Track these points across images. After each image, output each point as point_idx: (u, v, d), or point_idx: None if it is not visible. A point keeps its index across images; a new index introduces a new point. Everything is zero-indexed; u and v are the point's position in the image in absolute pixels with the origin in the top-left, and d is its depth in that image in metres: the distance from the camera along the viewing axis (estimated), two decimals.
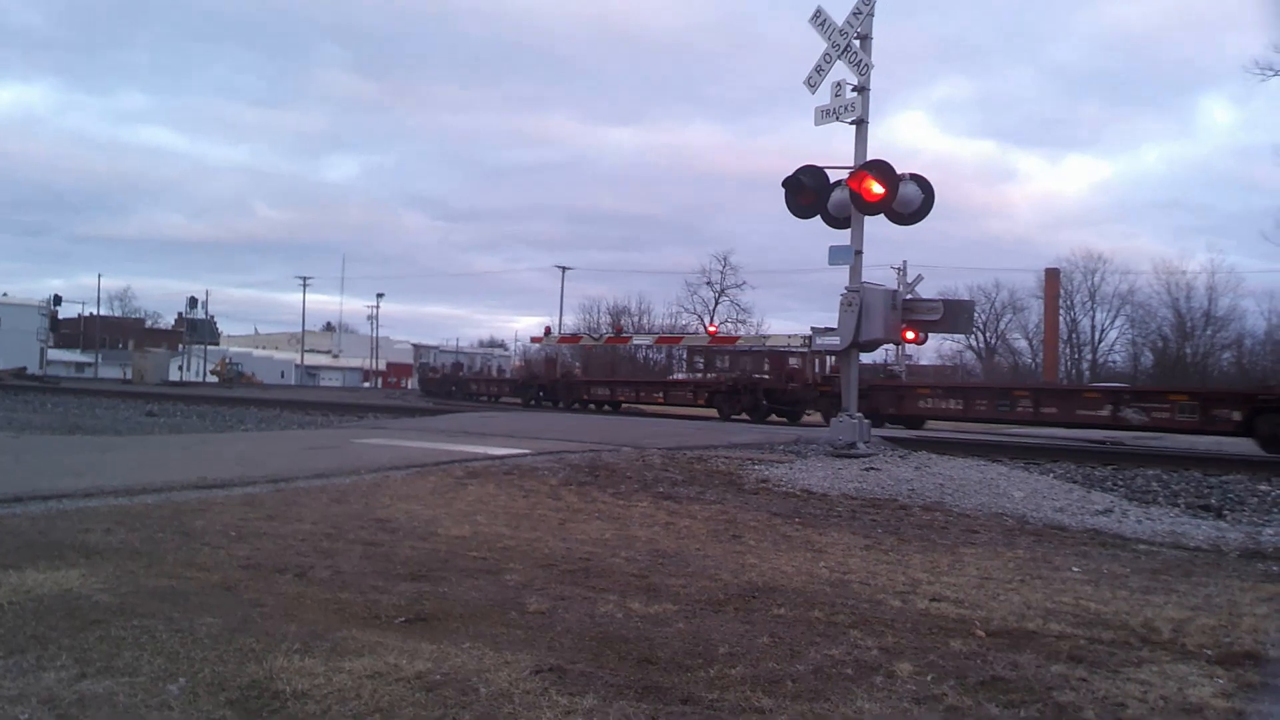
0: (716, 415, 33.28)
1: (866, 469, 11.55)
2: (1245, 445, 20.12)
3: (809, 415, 31.20)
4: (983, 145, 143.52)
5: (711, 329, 70.57)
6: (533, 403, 43.62)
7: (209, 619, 4.01)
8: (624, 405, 41.42)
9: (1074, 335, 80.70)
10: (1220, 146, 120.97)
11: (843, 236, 14.05)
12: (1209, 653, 4.23)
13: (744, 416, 31.62)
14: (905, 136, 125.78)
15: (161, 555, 5.32)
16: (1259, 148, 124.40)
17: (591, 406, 41.63)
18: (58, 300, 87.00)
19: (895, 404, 28.51)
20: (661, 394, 40.16)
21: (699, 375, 44.33)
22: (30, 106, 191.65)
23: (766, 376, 34.65)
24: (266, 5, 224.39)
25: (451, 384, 54.90)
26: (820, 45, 13.87)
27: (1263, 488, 11.71)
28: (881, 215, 13.81)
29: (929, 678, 3.68)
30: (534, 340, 60.23)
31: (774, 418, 31.33)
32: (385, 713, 3.05)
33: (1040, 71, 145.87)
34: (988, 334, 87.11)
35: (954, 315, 14.60)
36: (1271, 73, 35.16)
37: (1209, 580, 6.07)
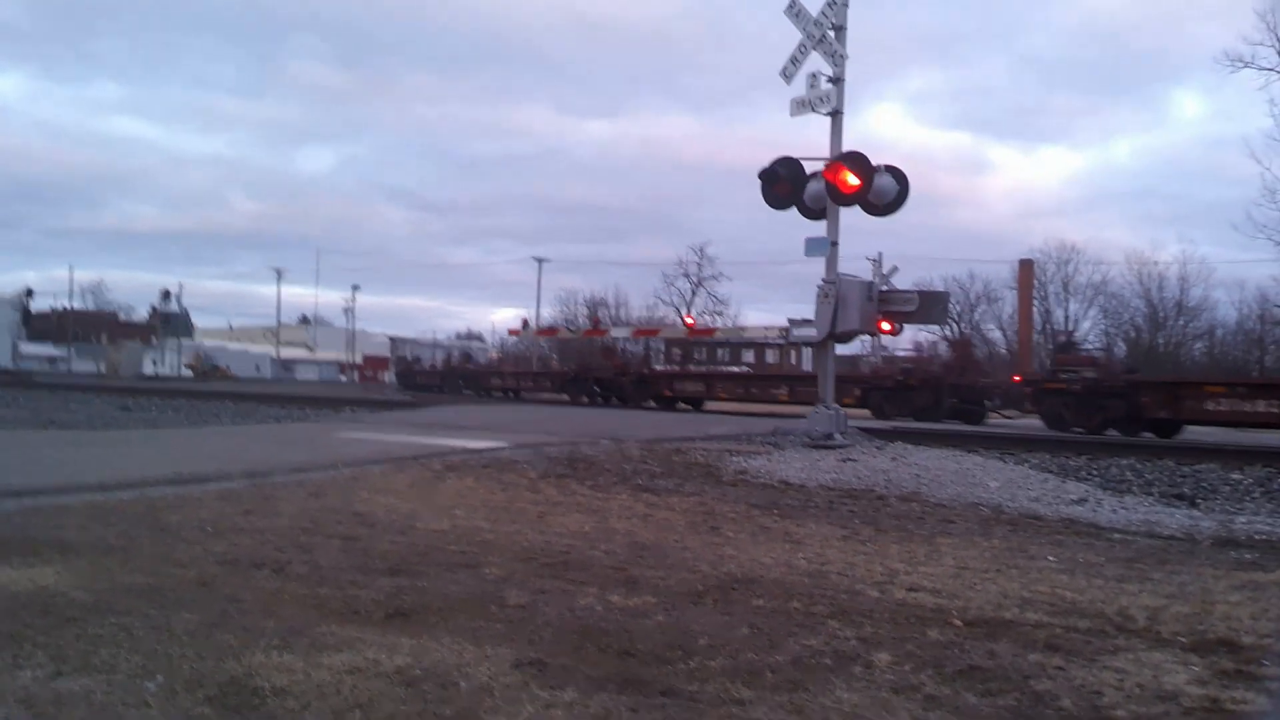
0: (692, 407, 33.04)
1: (844, 460, 11.59)
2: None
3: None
4: (957, 137, 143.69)
5: (689, 321, 70.67)
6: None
7: (186, 615, 3.98)
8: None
9: (1048, 325, 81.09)
10: (1191, 138, 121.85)
11: (819, 228, 14.08)
12: (1183, 640, 4.27)
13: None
14: (881, 128, 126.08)
15: (137, 551, 5.28)
16: (1229, 139, 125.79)
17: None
18: (30, 294, 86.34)
19: None
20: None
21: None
22: (2, 96, 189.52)
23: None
24: None
25: (411, 375, 54.21)
26: (795, 36, 13.89)
27: (1235, 476, 11.84)
28: (857, 206, 13.86)
29: (907, 667, 3.70)
30: (511, 333, 59.35)
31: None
32: (365, 708, 3.04)
33: (1014, 63, 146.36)
34: (962, 324, 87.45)
35: (929, 306, 14.67)
36: (1241, 64, 35.49)
37: (1183, 568, 6.12)
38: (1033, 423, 24.38)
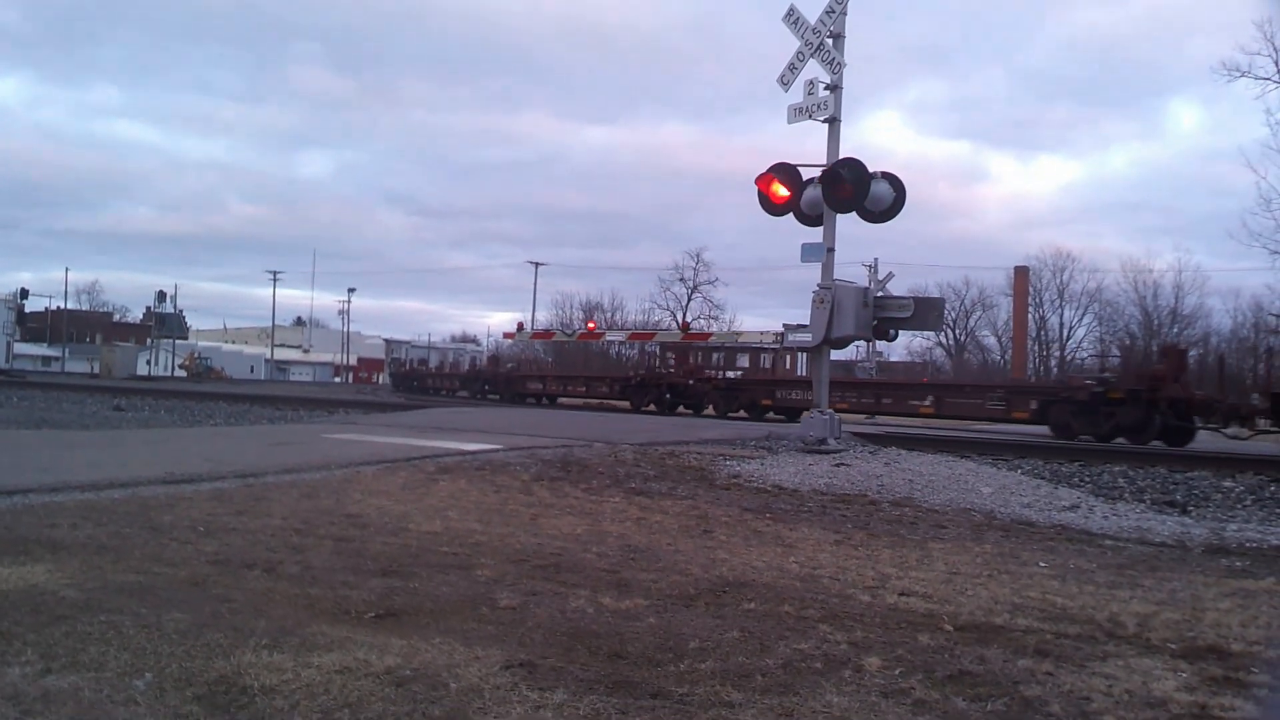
0: (691, 413, 32.22)
1: (837, 465, 11.60)
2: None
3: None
4: (956, 146, 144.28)
5: (683, 325, 70.60)
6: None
7: (176, 614, 3.98)
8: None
9: (1043, 333, 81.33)
10: (1187, 149, 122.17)
11: (815, 234, 14.11)
12: (1173, 647, 4.28)
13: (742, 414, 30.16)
14: (879, 137, 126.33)
15: (129, 550, 5.28)
16: (1225, 149, 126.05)
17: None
18: (24, 294, 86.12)
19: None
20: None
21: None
22: (3, 100, 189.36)
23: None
24: (243, 1, 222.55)
25: (413, 379, 53.30)
26: (794, 44, 13.92)
27: (1227, 484, 11.86)
28: (853, 213, 13.88)
29: (897, 672, 3.70)
30: (506, 336, 58.79)
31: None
32: (354, 708, 3.04)
33: (1012, 74, 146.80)
34: (957, 331, 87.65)
35: (925, 313, 14.68)
36: (1238, 74, 35.60)
37: (1173, 575, 6.14)
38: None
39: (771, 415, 29.72)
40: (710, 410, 32.34)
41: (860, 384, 33.25)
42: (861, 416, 27.85)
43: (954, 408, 26.12)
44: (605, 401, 37.26)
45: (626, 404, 35.23)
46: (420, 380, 54.51)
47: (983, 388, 27.88)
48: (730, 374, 36.69)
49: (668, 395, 33.97)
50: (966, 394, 26.95)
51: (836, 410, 27.99)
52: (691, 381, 33.73)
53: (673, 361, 38.32)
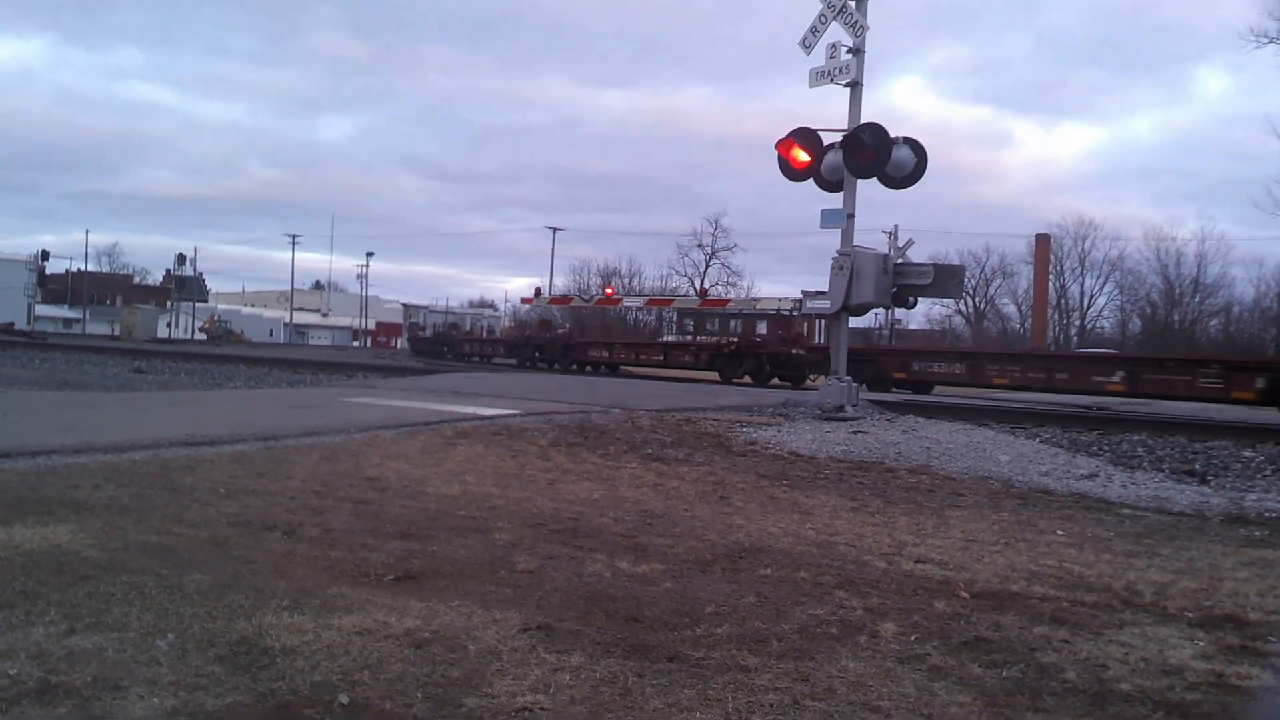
0: (790, 385, 29.25)
1: (854, 432, 11.59)
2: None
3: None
4: (978, 111, 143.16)
5: (701, 291, 70.46)
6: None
7: (198, 575, 4.02)
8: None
9: (1063, 301, 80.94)
10: (1212, 115, 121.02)
11: (835, 200, 14.01)
12: (1190, 616, 4.28)
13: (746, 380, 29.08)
14: (901, 101, 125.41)
15: (150, 512, 5.33)
16: (1251, 116, 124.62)
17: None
18: (45, 256, 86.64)
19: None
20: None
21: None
22: (25, 62, 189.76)
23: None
24: None
25: (444, 344, 50.18)
26: (816, 6, 13.77)
27: (1247, 454, 11.79)
28: (874, 179, 13.78)
29: (913, 638, 3.71)
30: (524, 301, 58.37)
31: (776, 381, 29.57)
32: (374, 669, 3.07)
33: (1037, 38, 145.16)
34: (977, 299, 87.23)
35: (944, 280, 14.61)
36: (1266, 39, 35.12)
37: (1191, 545, 6.12)
38: None
39: (896, 389, 26.45)
40: (822, 381, 29.12)
41: (1025, 356, 29.15)
42: (1020, 394, 25.02)
43: (1154, 385, 22.91)
44: (687, 373, 33.25)
45: (715, 376, 31.86)
46: (453, 346, 50.47)
47: (1191, 362, 24.32)
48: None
49: (767, 366, 30.74)
50: (1169, 369, 23.40)
51: (994, 385, 26.08)
52: (796, 351, 30.73)
53: (765, 330, 35.09)
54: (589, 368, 38.23)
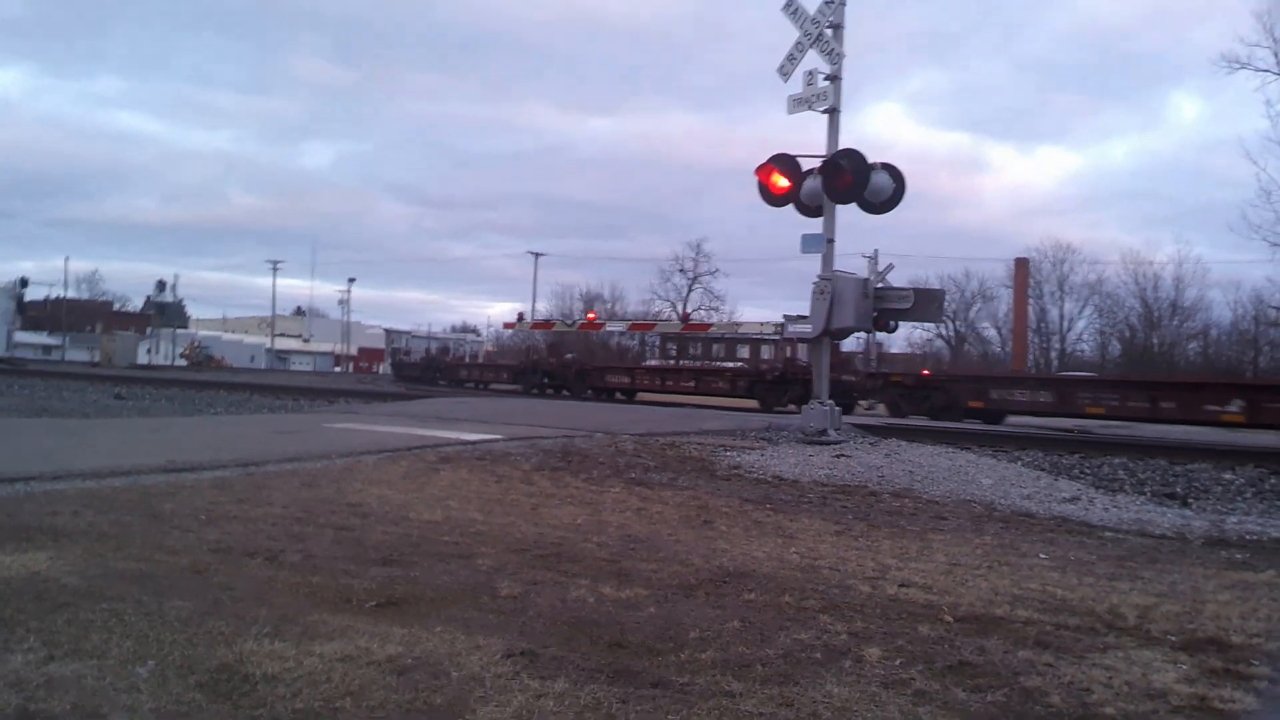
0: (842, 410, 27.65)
1: (837, 456, 11.61)
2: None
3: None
4: (956, 137, 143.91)
5: (684, 316, 70.59)
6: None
7: (178, 602, 3.98)
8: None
9: (1043, 324, 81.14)
10: (1187, 140, 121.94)
11: (815, 225, 14.10)
12: (1173, 639, 4.29)
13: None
14: (881, 128, 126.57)
15: (130, 538, 5.28)
16: (1225, 141, 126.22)
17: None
18: (24, 283, 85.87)
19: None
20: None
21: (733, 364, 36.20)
22: (5, 91, 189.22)
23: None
24: None
25: (435, 369, 48.91)
26: (793, 34, 13.88)
27: (1227, 476, 11.86)
28: (853, 204, 13.87)
29: (897, 662, 3.71)
30: (507, 326, 58.14)
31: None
32: (356, 696, 3.05)
33: (1014, 64, 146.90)
34: (957, 323, 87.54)
35: (925, 304, 14.67)
36: (1238, 65, 35.60)
37: (1173, 567, 6.15)
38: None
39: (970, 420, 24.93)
40: (882, 409, 27.98)
41: (1125, 383, 26.80)
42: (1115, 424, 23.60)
43: (1275, 415, 21.08)
44: (720, 400, 31.77)
45: (754, 404, 30.15)
46: (446, 371, 48.43)
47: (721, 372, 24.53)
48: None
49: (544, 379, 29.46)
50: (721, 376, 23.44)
51: (1087, 415, 24.14)
52: (845, 377, 28.40)
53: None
54: (602, 395, 36.32)
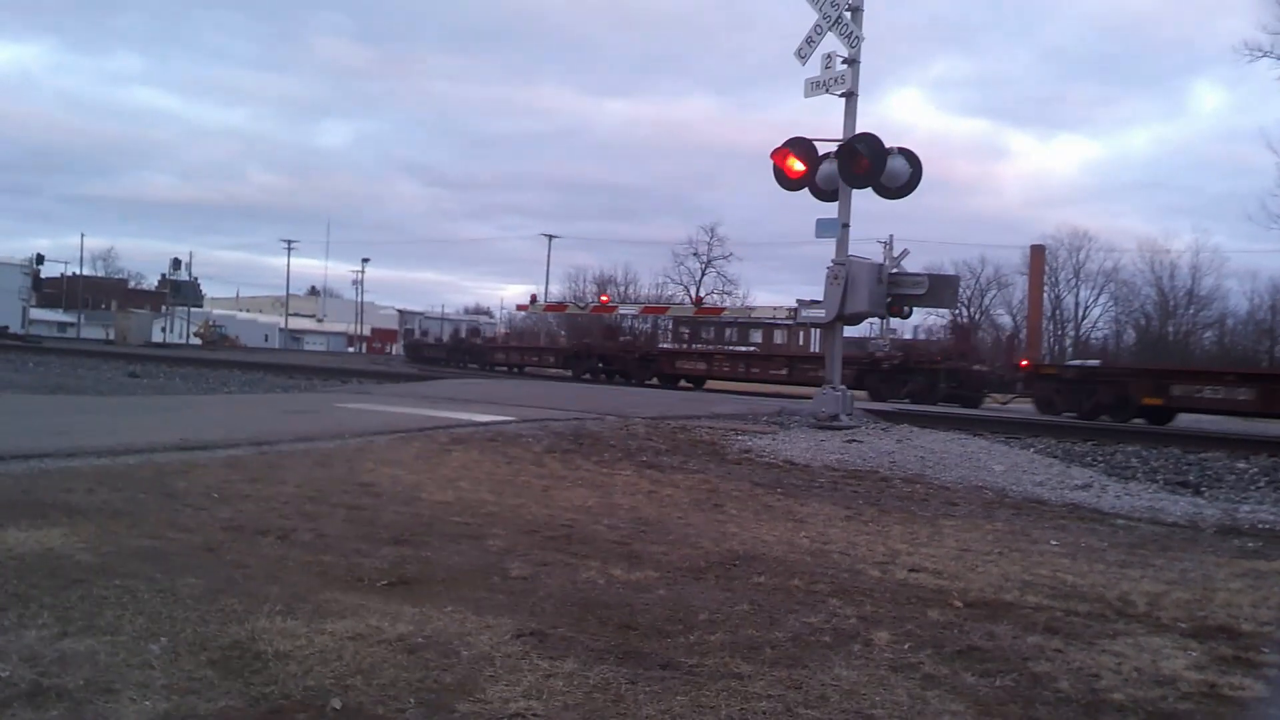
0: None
1: (849, 441, 11.60)
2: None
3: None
4: (976, 124, 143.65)
5: (696, 300, 70.48)
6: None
7: (191, 579, 4.01)
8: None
9: (1058, 312, 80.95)
10: (1208, 129, 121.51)
11: (830, 209, 14.06)
12: (1183, 626, 4.29)
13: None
14: (900, 113, 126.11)
15: (144, 516, 5.31)
16: (1246, 130, 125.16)
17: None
18: (40, 260, 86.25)
19: None
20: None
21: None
22: (25, 67, 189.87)
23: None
24: None
25: (464, 351, 45.79)
26: (811, 16, 13.81)
27: (1240, 465, 11.82)
28: (869, 189, 13.82)
29: (906, 646, 3.71)
30: (520, 308, 58.17)
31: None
32: (367, 674, 3.07)
33: (1036, 52, 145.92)
34: (972, 309, 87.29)
35: (939, 290, 14.62)
36: (1260, 53, 35.28)
37: (1185, 555, 6.13)
38: None
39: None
40: (1026, 405, 24.73)
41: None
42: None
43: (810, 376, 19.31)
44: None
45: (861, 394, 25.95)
46: (479, 354, 44.73)
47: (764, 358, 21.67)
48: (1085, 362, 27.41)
49: (942, 384, 25.86)
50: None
51: (1218, 410, 21.29)
52: (978, 367, 26.28)
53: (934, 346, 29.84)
54: (661, 382, 33.27)
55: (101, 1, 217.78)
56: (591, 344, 38.67)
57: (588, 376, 35.21)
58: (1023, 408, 23.01)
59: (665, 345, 38.56)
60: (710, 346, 38.44)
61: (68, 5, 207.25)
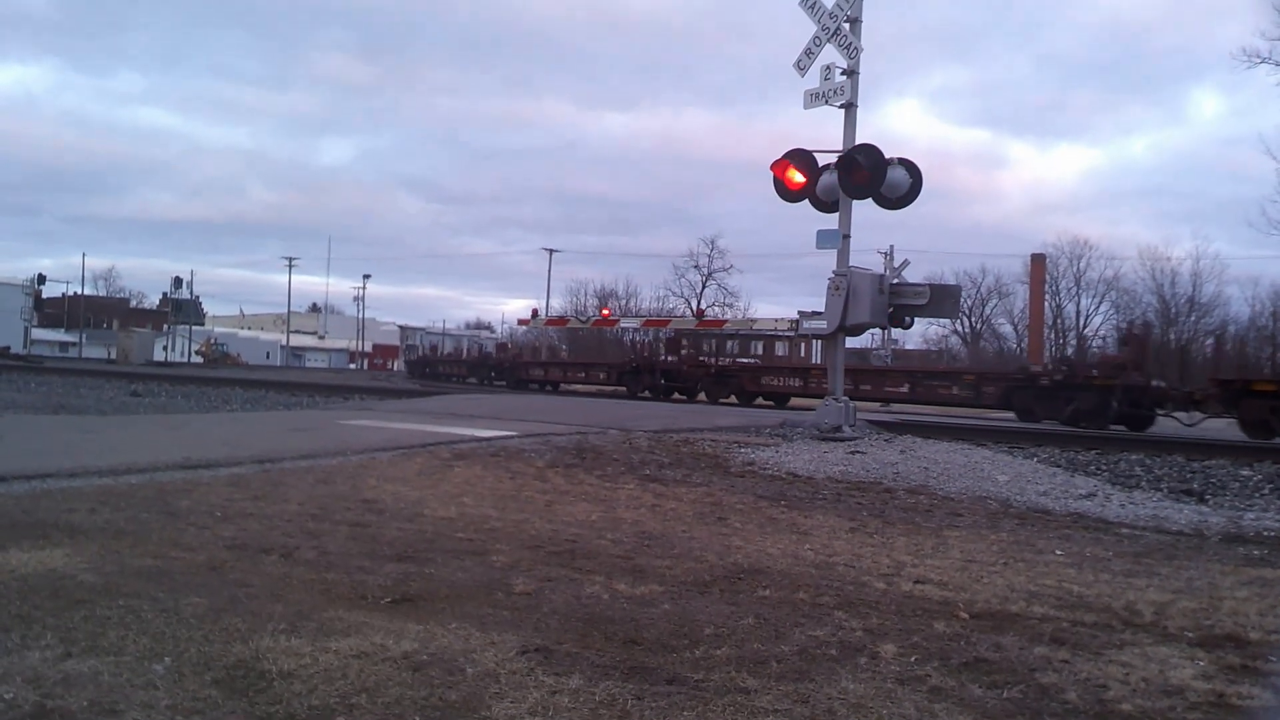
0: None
1: (852, 452, 11.58)
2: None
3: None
4: (976, 133, 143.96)
5: (698, 313, 70.50)
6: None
7: (195, 599, 4.00)
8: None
9: (1059, 320, 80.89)
10: (1208, 136, 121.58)
11: (831, 221, 14.08)
12: (1190, 635, 4.27)
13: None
14: (900, 124, 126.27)
15: (147, 535, 5.30)
16: (1245, 137, 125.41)
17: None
18: (42, 279, 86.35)
19: None
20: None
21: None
22: (28, 87, 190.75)
23: None
24: None
25: (489, 367, 43.87)
26: (810, 28, 13.85)
27: (1245, 473, 11.79)
28: (869, 199, 13.83)
29: (912, 659, 3.70)
30: (521, 322, 58.24)
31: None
32: (371, 692, 3.06)
33: (1035, 60, 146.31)
34: (973, 319, 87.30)
35: (941, 300, 14.63)
36: (1257, 59, 35.33)
37: (1190, 564, 6.11)
38: None
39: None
40: (1224, 425, 20.42)
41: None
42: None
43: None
44: (943, 410, 26.36)
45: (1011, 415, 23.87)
46: (513, 370, 40.36)
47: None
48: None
49: (1117, 404, 21.31)
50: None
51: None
52: (1156, 384, 21.85)
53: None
54: (471, 380, 29.79)
55: (105, 22, 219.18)
56: (653, 359, 35.22)
57: (646, 395, 32.59)
58: (1213, 426, 20.42)
59: (741, 361, 35.04)
60: (801, 362, 35.76)
61: (71, 26, 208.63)
